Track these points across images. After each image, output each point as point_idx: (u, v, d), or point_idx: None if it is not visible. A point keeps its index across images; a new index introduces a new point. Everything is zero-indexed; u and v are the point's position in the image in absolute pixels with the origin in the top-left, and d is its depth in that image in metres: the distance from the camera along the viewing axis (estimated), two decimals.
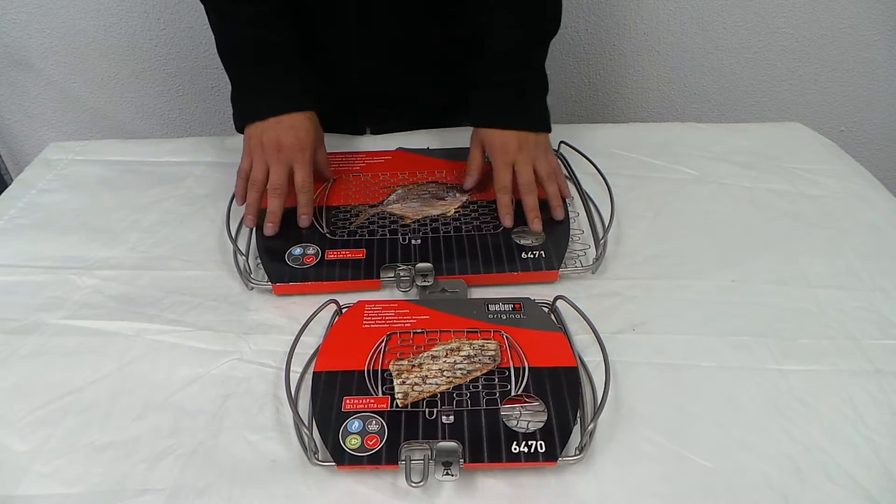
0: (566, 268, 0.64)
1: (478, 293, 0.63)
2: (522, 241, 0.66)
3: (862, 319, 0.59)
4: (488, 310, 0.59)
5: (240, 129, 0.72)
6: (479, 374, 0.53)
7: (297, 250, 0.65)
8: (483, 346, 0.56)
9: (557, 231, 0.68)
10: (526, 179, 0.70)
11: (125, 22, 1.20)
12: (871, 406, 0.52)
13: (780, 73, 1.28)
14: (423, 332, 0.57)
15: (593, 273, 0.64)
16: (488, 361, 0.54)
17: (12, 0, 1.17)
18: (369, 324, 0.58)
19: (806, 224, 0.71)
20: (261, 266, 0.65)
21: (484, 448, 0.48)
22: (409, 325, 0.58)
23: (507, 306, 0.60)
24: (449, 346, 0.56)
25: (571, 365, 0.54)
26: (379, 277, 0.63)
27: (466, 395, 0.52)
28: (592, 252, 0.67)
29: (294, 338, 0.57)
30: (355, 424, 0.49)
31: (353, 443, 0.48)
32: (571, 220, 0.70)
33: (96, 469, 0.48)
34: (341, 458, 0.47)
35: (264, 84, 0.71)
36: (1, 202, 0.75)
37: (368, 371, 0.54)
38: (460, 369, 0.54)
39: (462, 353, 0.55)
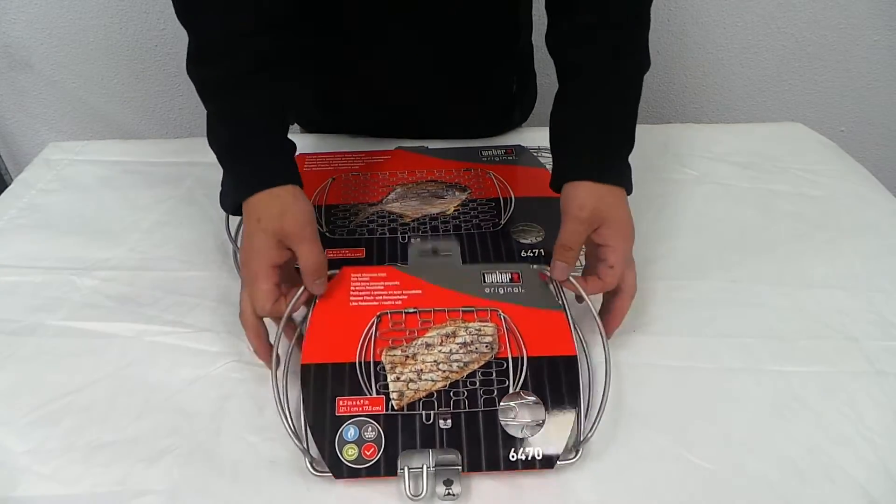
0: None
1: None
2: (522, 240, 0.66)
3: (862, 320, 0.59)
4: (484, 280, 0.56)
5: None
6: (476, 366, 0.51)
7: None
8: (480, 329, 0.53)
9: (557, 229, 0.68)
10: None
11: (125, 22, 1.20)
12: (871, 407, 0.52)
13: (780, 73, 1.28)
14: (415, 312, 0.54)
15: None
16: (486, 350, 0.52)
17: (12, 0, 1.17)
18: (357, 300, 0.55)
19: (806, 224, 0.71)
20: None
21: (482, 456, 0.47)
22: (400, 302, 0.55)
23: (503, 276, 0.56)
24: (444, 332, 0.53)
25: (571, 354, 0.52)
26: None
27: (464, 393, 0.50)
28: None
29: (278, 329, 0.53)
30: (351, 432, 0.48)
31: (350, 454, 0.47)
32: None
33: (95, 470, 0.48)
34: (339, 471, 0.47)
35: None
36: (1, 202, 0.75)
37: (360, 364, 0.51)
38: (456, 361, 0.51)
39: (458, 340, 0.52)
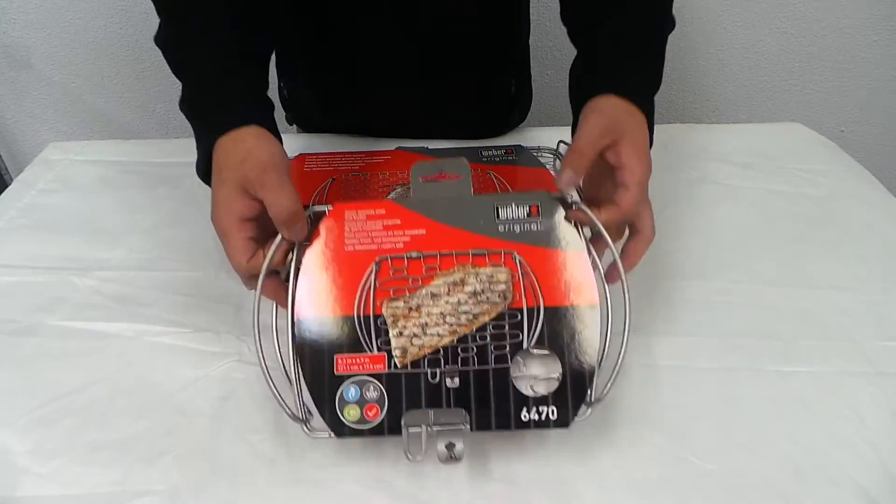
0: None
1: None
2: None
3: (862, 321, 0.59)
4: (497, 216, 0.49)
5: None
6: (486, 318, 0.46)
7: None
8: (492, 276, 0.47)
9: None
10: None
11: (125, 22, 1.20)
12: (871, 407, 0.52)
13: (780, 73, 1.28)
14: (419, 257, 0.48)
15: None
16: (498, 300, 0.47)
17: (12, 0, 1.17)
18: (353, 244, 0.49)
19: (806, 225, 0.71)
20: None
21: (492, 416, 0.45)
22: (401, 244, 0.48)
23: (521, 210, 0.49)
24: (451, 279, 0.47)
25: (593, 303, 0.47)
26: None
27: (473, 349, 0.46)
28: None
29: (258, 288, 0.48)
30: (352, 392, 0.45)
31: (351, 414, 0.45)
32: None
33: (95, 470, 0.48)
34: (340, 431, 0.45)
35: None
36: (1, 202, 0.75)
37: (359, 318, 0.47)
38: (465, 313, 0.47)
39: (467, 289, 0.47)
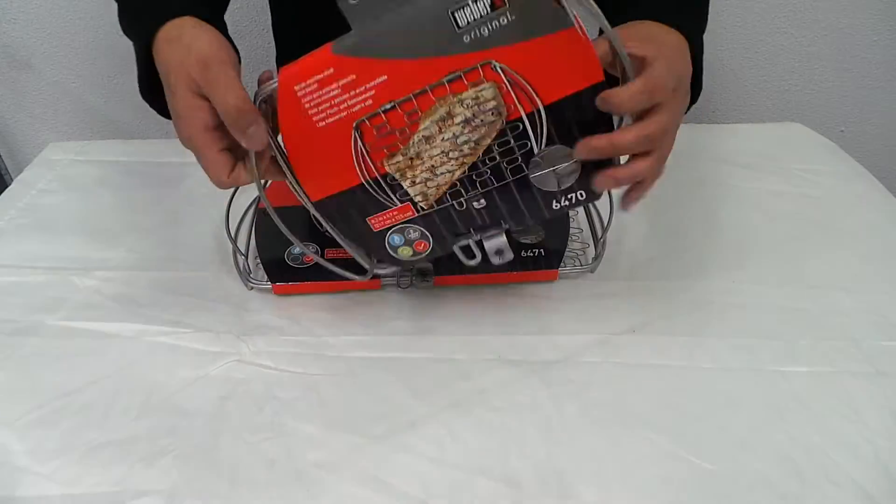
0: (565, 267, 0.64)
1: (476, 295, 0.63)
2: (522, 239, 0.66)
3: (862, 321, 0.59)
4: (457, 25, 0.40)
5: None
6: (488, 140, 0.44)
7: (297, 249, 0.65)
8: (477, 97, 0.42)
9: (556, 229, 0.68)
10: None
11: None
12: (871, 408, 0.52)
13: (780, 73, 1.28)
14: (394, 107, 0.43)
15: (592, 272, 0.64)
16: (493, 119, 0.43)
17: (12, 0, 1.17)
18: (321, 119, 0.44)
19: (806, 225, 0.71)
20: (260, 266, 0.65)
21: (525, 215, 0.49)
22: (369, 101, 0.43)
23: (482, 7, 0.39)
24: (437, 117, 0.43)
25: (596, 81, 0.42)
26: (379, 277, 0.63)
27: (486, 172, 0.46)
28: (591, 251, 0.66)
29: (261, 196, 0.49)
30: (396, 239, 0.49)
31: (405, 253, 0.49)
32: (571, 218, 0.70)
33: (95, 470, 0.48)
34: (404, 264, 0.51)
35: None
36: (1, 202, 0.75)
37: (369, 182, 0.46)
38: (465, 143, 0.44)
39: (458, 121, 0.43)
